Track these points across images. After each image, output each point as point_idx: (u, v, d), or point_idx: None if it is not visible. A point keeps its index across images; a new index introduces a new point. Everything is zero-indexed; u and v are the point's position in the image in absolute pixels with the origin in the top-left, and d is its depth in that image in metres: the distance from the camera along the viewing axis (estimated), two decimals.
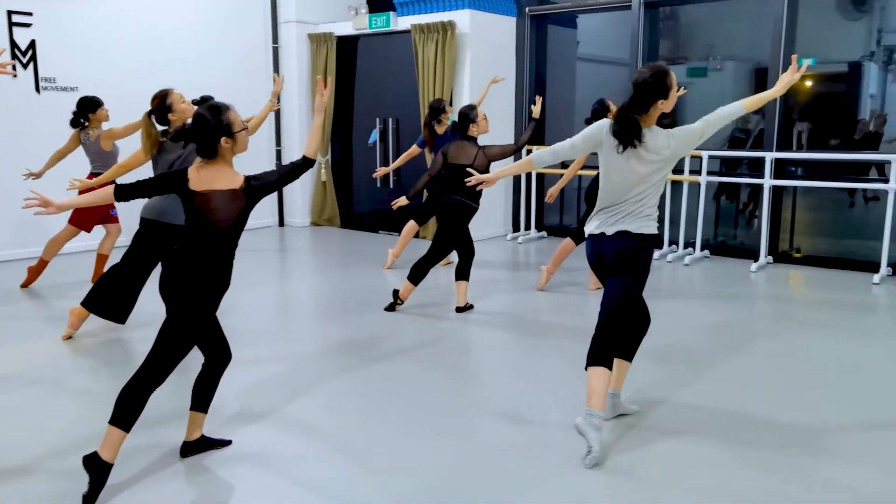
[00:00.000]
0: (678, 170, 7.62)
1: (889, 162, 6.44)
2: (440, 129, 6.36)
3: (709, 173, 7.34)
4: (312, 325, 5.30)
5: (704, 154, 7.27)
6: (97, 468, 2.79)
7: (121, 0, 7.84)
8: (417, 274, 5.36)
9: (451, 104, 8.12)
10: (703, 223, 7.47)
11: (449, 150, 5.27)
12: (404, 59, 8.55)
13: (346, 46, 9.12)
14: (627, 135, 3.14)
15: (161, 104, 4.35)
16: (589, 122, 5.68)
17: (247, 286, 6.08)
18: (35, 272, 6.11)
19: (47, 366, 4.31)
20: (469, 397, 3.89)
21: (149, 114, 4.32)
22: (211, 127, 2.83)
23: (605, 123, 3.25)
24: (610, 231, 3.24)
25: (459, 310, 5.42)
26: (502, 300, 5.86)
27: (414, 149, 6.74)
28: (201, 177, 2.87)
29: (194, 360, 3.31)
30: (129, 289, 4.60)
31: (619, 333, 3.30)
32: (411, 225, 6.87)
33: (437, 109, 6.33)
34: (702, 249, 7.55)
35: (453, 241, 5.34)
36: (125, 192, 2.92)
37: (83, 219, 5.96)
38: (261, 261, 7.46)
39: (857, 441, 3.32)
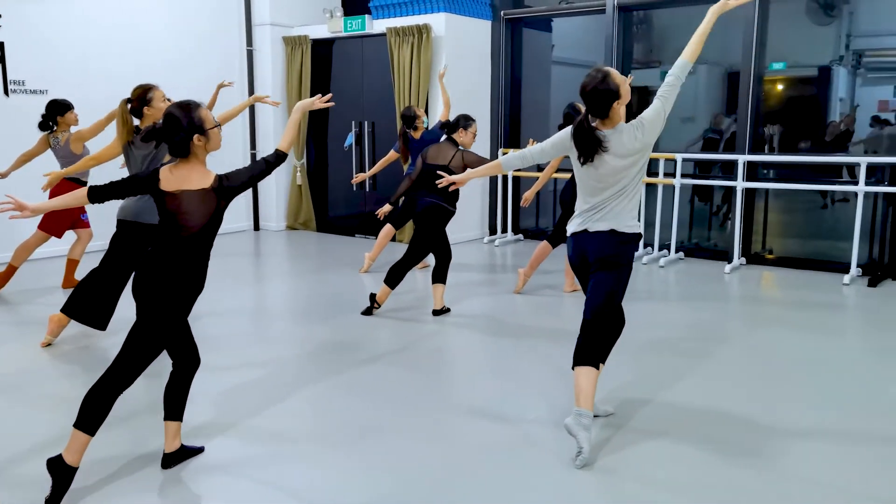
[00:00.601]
0: (652, 172, 7.69)
1: (858, 164, 6.55)
2: (416, 135, 6.37)
3: (683, 176, 7.41)
4: (288, 330, 5.25)
5: (678, 157, 7.34)
6: (60, 471, 2.75)
7: (93, 2, 7.74)
8: (394, 277, 5.34)
9: (426, 108, 8.13)
10: (677, 225, 7.54)
11: (428, 152, 5.27)
12: (380, 63, 8.53)
13: (321, 49, 9.08)
14: (588, 149, 3.14)
15: (142, 96, 4.30)
16: (562, 127, 5.72)
17: (221, 290, 6.01)
18: (4, 278, 5.99)
19: (21, 372, 4.22)
20: (449, 399, 3.88)
21: (126, 101, 4.27)
22: (183, 126, 2.79)
23: (571, 130, 3.25)
24: (593, 228, 3.23)
25: (436, 313, 5.41)
26: (479, 303, 5.86)
27: (392, 154, 6.73)
28: (173, 177, 2.83)
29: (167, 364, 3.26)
30: (108, 294, 4.53)
31: (605, 333, 3.31)
32: (388, 228, 6.85)
33: (411, 117, 6.33)
34: (676, 251, 7.62)
35: (430, 245, 5.33)
36: (99, 194, 2.87)
37: (53, 224, 5.87)
38: (236, 265, 7.39)
39: (831, 438, 3.37)
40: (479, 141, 8.33)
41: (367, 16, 8.57)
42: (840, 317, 5.66)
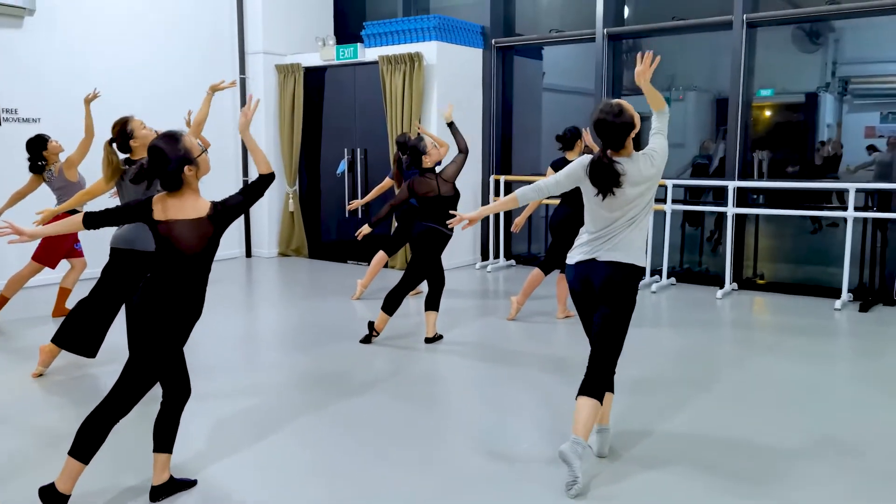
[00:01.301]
0: None
1: (847, 190, 6.61)
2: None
3: (673, 202, 7.46)
4: (280, 358, 5.22)
5: (669, 183, 7.39)
6: (52, 499, 2.73)
7: (84, 31, 7.78)
8: (391, 304, 5.33)
9: (418, 136, 8.16)
10: (668, 251, 7.57)
11: (415, 184, 5.29)
12: (372, 90, 8.59)
13: (314, 77, 9.14)
14: (606, 184, 3.16)
15: (122, 131, 4.29)
16: (560, 138, 5.84)
17: (213, 318, 5.98)
18: None
19: (12, 402, 4.18)
20: (441, 428, 3.86)
21: (110, 142, 4.26)
22: (171, 159, 2.79)
23: (585, 160, 3.28)
24: (603, 257, 3.22)
25: (429, 340, 5.39)
26: (472, 329, 5.85)
27: (386, 182, 6.75)
28: (167, 206, 2.83)
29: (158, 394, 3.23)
30: (99, 322, 4.48)
31: (612, 366, 3.28)
32: (381, 255, 6.85)
33: (405, 144, 6.35)
34: (668, 277, 7.64)
35: (426, 270, 5.33)
36: (94, 220, 2.88)
37: (47, 255, 5.84)
38: (227, 292, 7.36)
39: (824, 463, 3.35)
40: (471, 168, 8.38)
41: (359, 44, 8.64)
42: (833, 343, 5.67)
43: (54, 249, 5.82)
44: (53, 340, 4.54)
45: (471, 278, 8.02)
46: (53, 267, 5.96)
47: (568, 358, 5.11)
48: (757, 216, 7.79)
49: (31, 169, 5.81)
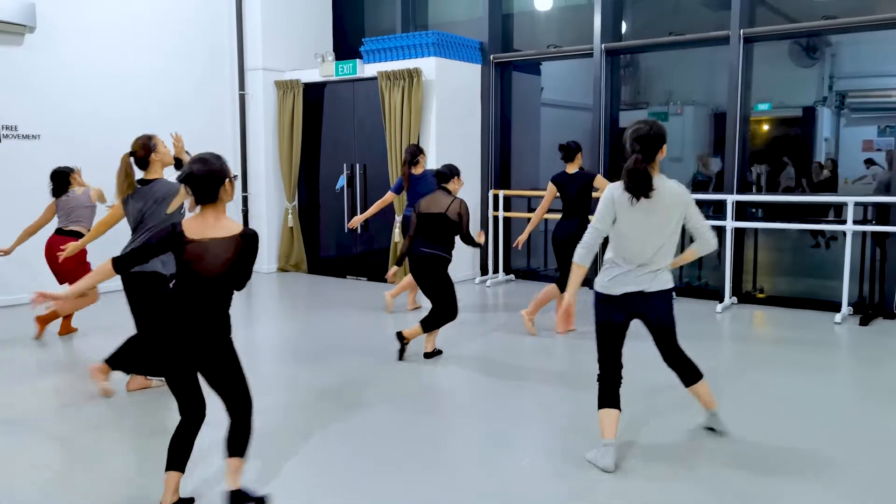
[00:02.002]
0: None
1: (845, 203, 6.62)
2: (417, 170, 6.57)
3: None
4: (282, 374, 5.20)
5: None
6: None
7: (84, 47, 7.81)
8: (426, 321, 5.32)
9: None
10: None
11: (420, 204, 5.29)
12: (371, 106, 8.62)
13: (313, 93, 9.17)
14: (641, 186, 3.27)
15: (147, 144, 4.29)
16: (564, 148, 5.92)
17: None
18: (42, 323, 5.99)
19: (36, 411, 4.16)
20: (441, 445, 3.83)
21: (129, 155, 4.26)
22: (216, 170, 2.87)
23: (612, 189, 3.40)
24: (651, 288, 3.41)
25: (428, 356, 5.38)
26: (473, 344, 5.82)
27: (388, 196, 6.77)
28: (197, 225, 2.88)
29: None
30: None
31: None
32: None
33: (415, 153, 6.60)
34: None
35: (441, 290, 5.29)
36: (124, 264, 2.96)
37: (74, 278, 5.87)
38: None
39: (833, 477, 3.34)
40: (470, 183, 8.39)
41: (358, 60, 8.68)
42: (834, 356, 5.65)
43: (79, 272, 5.79)
44: (108, 362, 4.54)
45: (470, 293, 8.00)
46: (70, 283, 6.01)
47: (569, 371, 5.09)
48: (756, 230, 7.79)
49: (55, 192, 5.84)
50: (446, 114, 8.28)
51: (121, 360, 4.52)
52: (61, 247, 4.98)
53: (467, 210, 5.26)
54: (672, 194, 3.36)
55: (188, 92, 8.69)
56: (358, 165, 8.86)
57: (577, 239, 4.93)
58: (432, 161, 8.05)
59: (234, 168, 9.29)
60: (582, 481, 3.32)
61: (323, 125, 9.22)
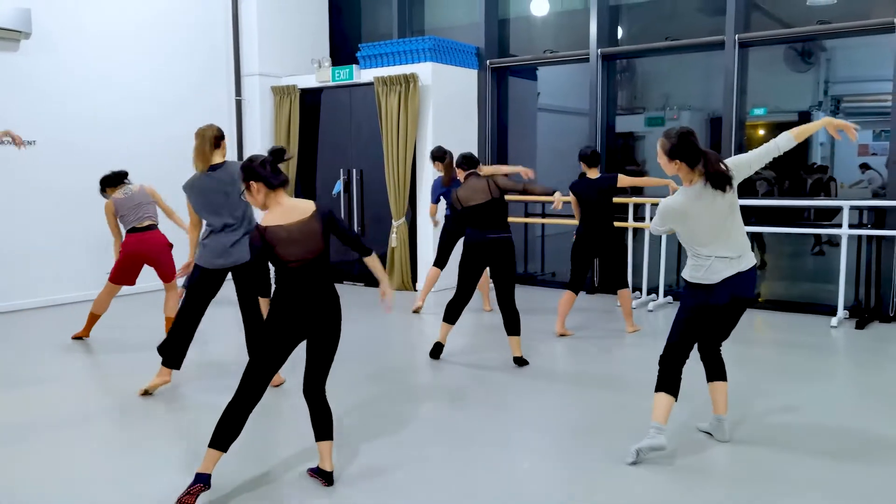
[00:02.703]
0: (639, 217, 7.75)
1: (841, 208, 6.63)
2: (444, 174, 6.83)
3: (636, 219, 7.45)
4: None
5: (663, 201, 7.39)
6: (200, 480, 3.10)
7: (80, 53, 7.81)
8: (512, 324, 5.29)
9: (413, 156, 8.22)
10: (665, 269, 7.57)
11: (460, 198, 5.23)
12: (368, 111, 8.63)
13: (309, 98, 9.18)
14: (724, 181, 3.46)
15: (220, 135, 4.64)
16: (586, 157, 6.05)
17: (215, 342, 5.96)
18: (87, 326, 6.11)
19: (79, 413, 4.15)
20: (448, 441, 3.83)
21: (214, 136, 4.57)
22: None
23: (682, 197, 3.51)
24: (744, 267, 3.54)
25: (521, 361, 5.30)
26: (465, 343, 5.82)
27: (432, 208, 7.13)
28: (277, 215, 3.21)
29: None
30: (186, 335, 4.62)
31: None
32: (434, 272, 7.08)
33: (442, 155, 6.86)
34: (665, 295, 7.63)
35: (514, 274, 5.31)
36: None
37: (124, 275, 5.99)
38: (230, 314, 7.31)
39: (832, 482, 3.33)
40: None
41: (354, 65, 8.69)
42: (830, 359, 5.65)
43: (130, 270, 5.98)
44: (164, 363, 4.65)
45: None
46: (132, 283, 6.11)
47: (562, 371, 5.09)
48: (752, 234, 7.79)
49: (113, 181, 6.00)
50: (443, 119, 8.29)
51: (170, 351, 4.63)
52: (164, 243, 5.80)
53: (503, 180, 5.25)
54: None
55: (184, 96, 8.67)
56: (355, 171, 8.86)
57: (587, 246, 5.27)
58: (430, 166, 8.07)
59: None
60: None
61: (320, 130, 9.22)
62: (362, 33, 10.03)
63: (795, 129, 3.63)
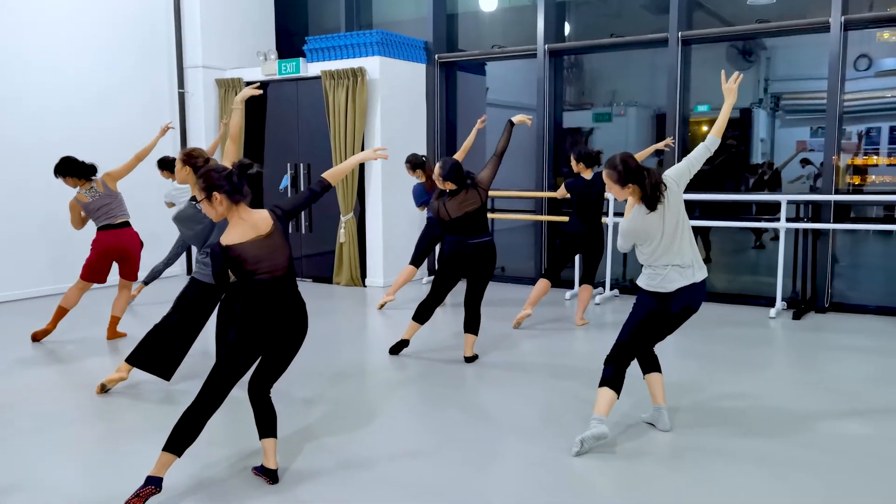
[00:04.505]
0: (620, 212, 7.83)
1: (779, 202, 6.82)
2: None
3: (615, 214, 7.57)
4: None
5: (610, 196, 7.49)
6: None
7: (13, 37, 7.52)
8: (472, 323, 5.28)
9: (362, 149, 8.16)
10: (611, 264, 7.68)
11: (449, 210, 5.11)
12: (315, 105, 8.53)
13: None
14: (656, 198, 3.57)
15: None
16: (584, 158, 6.07)
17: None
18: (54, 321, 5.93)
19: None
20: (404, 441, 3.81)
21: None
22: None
23: (639, 215, 3.61)
24: (698, 278, 3.66)
25: (471, 359, 5.32)
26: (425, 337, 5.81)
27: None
28: (238, 233, 3.11)
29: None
30: (179, 345, 4.50)
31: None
32: (409, 270, 7.08)
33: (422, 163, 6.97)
34: (611, 289, 7.74)
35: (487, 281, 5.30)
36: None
37: (93, 273, 5.82)
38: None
39: (765, 468, 3.42)
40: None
41: (301, 59, 8.58)
42: (768, 349, 5.81)
43: (102, 268, 5.82)
44: (128, 360, 4.52)
45: (420, 293, 7.98)
46: (104, 282, 5.95)
47: (524, 361, 5.13)
48: (694, 228, 7.94)
49: (85, 173, 5.73)
50: (391, 113, 8.25)
51: (143, 356, 4.50)
52: (138, 242, 5.78)
53: (485, 174, 5.20)
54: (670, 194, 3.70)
55: (117, 86, 8.40)
56: (302, 165, 8.76)
57: (581, 241, 5.80)
58: (378, 161, 8.02)
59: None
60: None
61: (266, 124, 9.08)
62: (309, 26, 9.92)
63: (714, 128, 3.78)
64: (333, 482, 3.36)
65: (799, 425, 4.01)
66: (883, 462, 3.53)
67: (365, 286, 8.41)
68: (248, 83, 8.95)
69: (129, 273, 5.90)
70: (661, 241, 3.63)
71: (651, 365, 3.94)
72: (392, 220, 8.39)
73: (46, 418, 4.23)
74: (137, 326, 5.93)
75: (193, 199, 4.25)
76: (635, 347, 3.75)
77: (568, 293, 7.65)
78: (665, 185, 3.59)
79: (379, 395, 4.74)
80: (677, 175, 3.72)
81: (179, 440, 3.06)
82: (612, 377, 3.68)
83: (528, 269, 8.54)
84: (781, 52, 9.57)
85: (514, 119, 5.38)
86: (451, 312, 7.04)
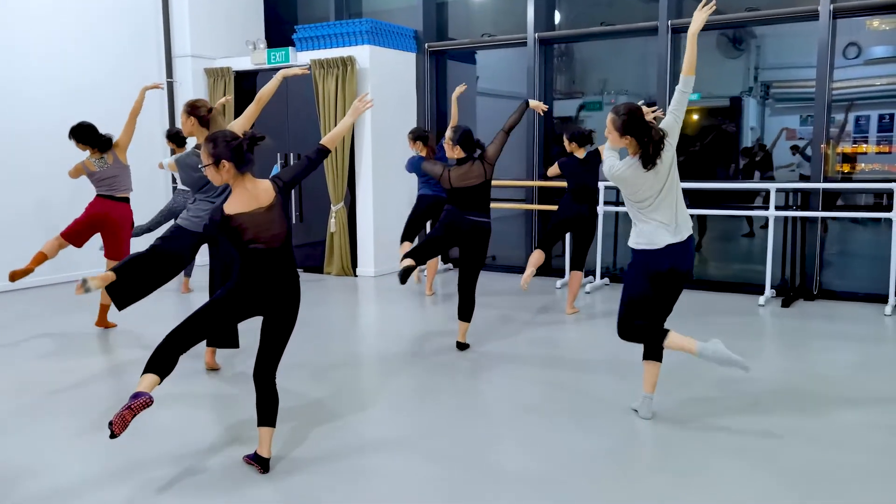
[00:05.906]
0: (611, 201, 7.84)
1: (768, 190, 6.84)
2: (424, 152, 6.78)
3: (605, 203, 7.59)
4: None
5: (601, 185, 7.50)
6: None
7: (4, 27, 7.45)
8: (466, 311, 5.28)
9: (352, 137, 8.13)
10: (601, 252, 7.70)
11: (452, 178, 5.11)
12: (305, 94, 8.50)
13: (245, 81, 8.98)
14: (653, 158, 3.56)
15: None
16: (576, 138, 6.06)
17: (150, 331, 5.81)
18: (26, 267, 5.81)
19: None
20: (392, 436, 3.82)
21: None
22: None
23: (628, 166, 3.59)
24: (683, 237, 3.67)
25: (463, 346, 5.32)
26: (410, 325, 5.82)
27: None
28: (241, 201, 3.15)
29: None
30: (146, 282, 4.47)
31: None
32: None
33: (426, 136, 6.85)
34: (602, 277, 7.77)
35: (481, 265, 5.27)
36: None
37: (76, 234, 5.79)
38: (167, 303, 7.14)
39: (755, 454, 3.45)
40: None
41: (290, 48, 8.54)
42: (758, 336, 5.86)
43: (85, 232, 5.81)
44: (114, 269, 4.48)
45: (409, 283, 7.97)
46: (80, 246, 5.93)
47: (508, 354, 5.15)
48: (693, 217, 7.97)
49: (98, 144, 5.75)
50: (381, 102, 8.22)
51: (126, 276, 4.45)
52: (129, 217, 5.78)
53: (492, 151, 5.16)
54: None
55: (106, 76, 8.32)
56: (292, 155, 8.73)
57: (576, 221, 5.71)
58: (368, 150, 8.01)
59: (164, 157, 9.03)
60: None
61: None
62: (298, 15, 9.86)
63: (684, 65, 3.80)
64: (325, 471, 3.37)
65: (787, 413, 4.05)
66: (872, 449, 3.57)
67: (356, 276, 8.41)
68: (238, 72, 8.90)
69: (113, 251, 5.85)
70: (651, 198, 3.64)
71: (654, 353, 3.93)
72: (383, 210, 8.39)
73: (59, 403, 4.22)
74: (128, 316, 5.91)
75: (198, 147, 4.27)
76: (637, 309, 3.75)
77: (559, 282, 7.68)
78: (664, 146, 3.57)
79: (371, 384, 4.75)
80: (668, 128, 3.69)
81: (158, 364, 3.05)
82: (647, 350, 3.87)
83: (519, 258, 8.55)
84: (771, 40, 9.57)
85: (531, 102, 5.36)
86: (443, 300, 7.05)
